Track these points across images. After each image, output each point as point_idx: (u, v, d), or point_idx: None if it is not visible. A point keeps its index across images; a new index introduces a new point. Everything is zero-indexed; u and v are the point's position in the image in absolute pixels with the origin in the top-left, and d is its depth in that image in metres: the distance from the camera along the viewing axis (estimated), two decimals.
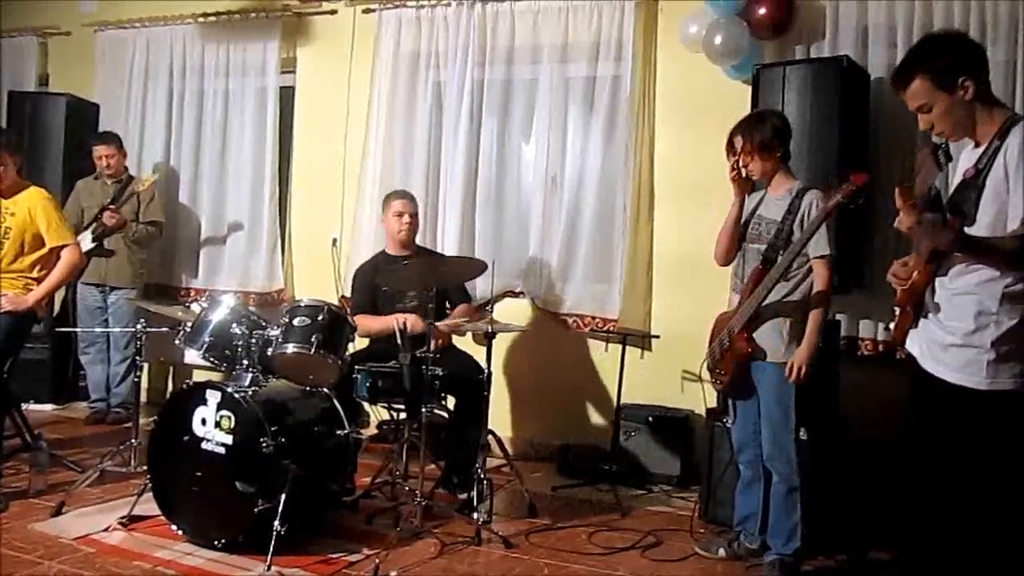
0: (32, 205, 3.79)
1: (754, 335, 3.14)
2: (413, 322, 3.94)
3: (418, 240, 4.55)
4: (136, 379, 4.15)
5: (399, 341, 3.62)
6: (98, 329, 5.30)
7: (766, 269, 3.13)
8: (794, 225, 3.12)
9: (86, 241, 5.09)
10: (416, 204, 4.46)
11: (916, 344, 2.39)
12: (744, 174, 3.24)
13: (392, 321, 3.94)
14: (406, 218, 4.32)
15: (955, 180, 2.39)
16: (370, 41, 5.37)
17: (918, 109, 2.32)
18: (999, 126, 2.24)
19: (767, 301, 3.11)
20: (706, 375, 3.43)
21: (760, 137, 3.18)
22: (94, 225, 5.16)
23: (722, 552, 3.37)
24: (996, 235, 2.19)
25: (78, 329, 5.35)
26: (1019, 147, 2.16)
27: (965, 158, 2.36)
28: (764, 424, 3.16)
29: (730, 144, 3.26)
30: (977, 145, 2.32)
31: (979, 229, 2.22)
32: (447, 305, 4.38)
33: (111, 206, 5.14)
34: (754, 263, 3.20)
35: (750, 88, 4.19)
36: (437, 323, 3.87)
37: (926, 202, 2.20)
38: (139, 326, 4.05)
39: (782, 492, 3.13)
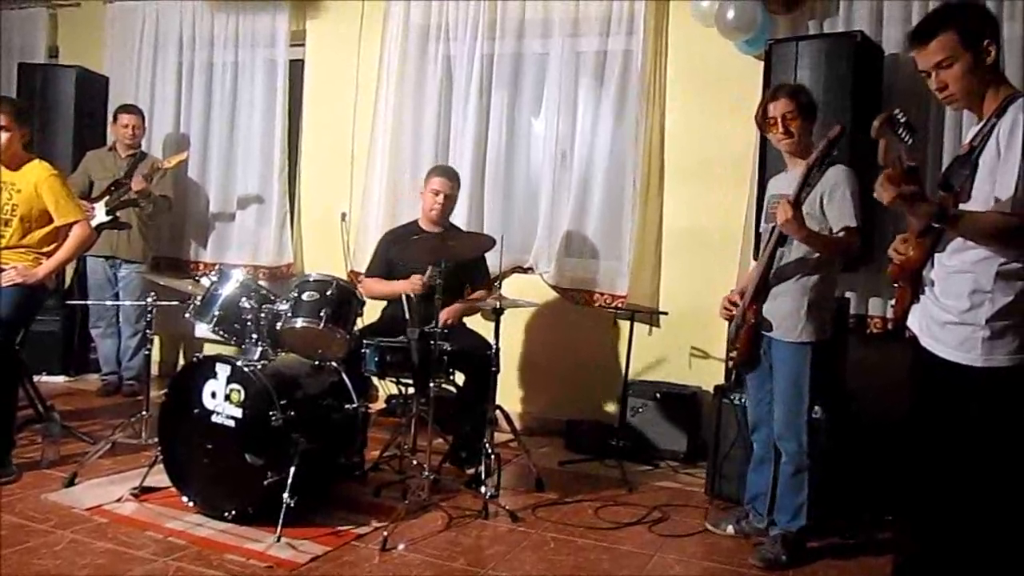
0: (38, 181, 3.75)
1: (770, 309, 3.10)
2: (414, 283, 3.94)
3: None
4: (147, 352, 4.18)
5: (406, 313, 3.63)
6: (108, 302, 5.32)
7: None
8: (810, 199, 3.01)
9: (100, 214, 5.11)
10: (457, 184, 4.36)
11: (916, 321, 2.39)
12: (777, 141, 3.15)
13: (396, 287, 3.96)
14: (440, 198, 4.25)
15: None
16: (380, 14, 5.33)
17: (936, 65, 2.26)
18: (999, 103, 2.22)
19: (777, 271, 3.08)
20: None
21: (805, 99, 3.10)
22: (108, 198, 5.16)
23: (730, 529, 3.38)
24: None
25: (89, 302, 5.37)
26: (1010, 125, 2.14)
27: (972, 135, 2.34)
28: (777, 403, 3.14)
29: (764, 113, 3.14)
30: (979, 121, 2.30)
31: (973, 206, 2.21)
32: (466, 287, 4.36)
33: (136, 176, 5.11)
34: None
35: (762, 64, 4.15)
36: (448, 305, 3.88)
37: (905, 175, 2.17)
38: (149, 299, 4.07)
39: (789, 472, 3.13)
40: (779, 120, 3.09)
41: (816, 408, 3.16)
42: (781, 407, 3.13)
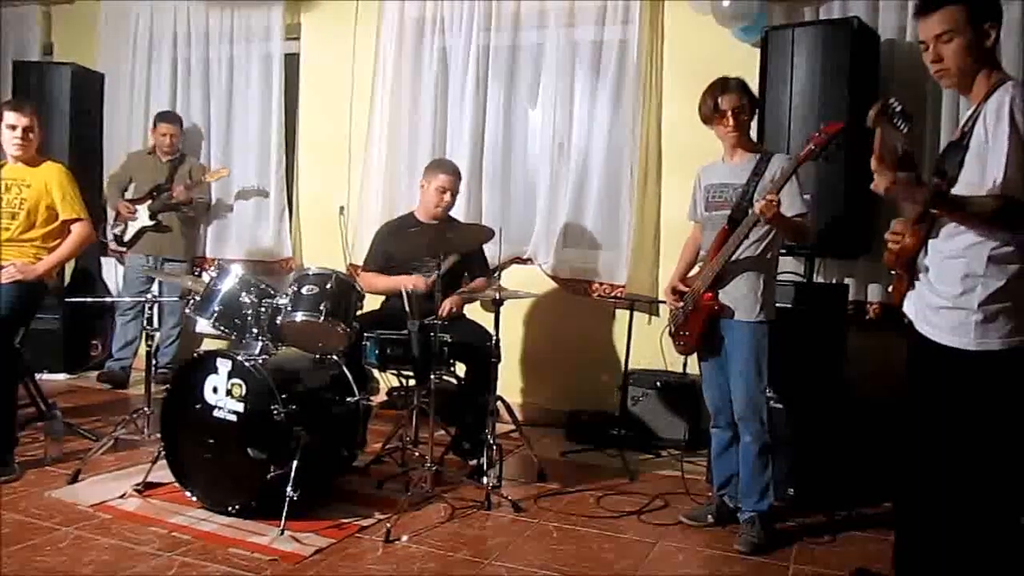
0: (48, 178, 3.85)
1: (728, 294, 3.15)
2: (416, 282, 3.95)
3: None
4: (148, 347, 4.17)
5: (407, 307, 3.64)
6: (108, 299, 5.41)
7: (731, 230, 3.12)
8: (759, 187, 3.11)
9: (143, 217, 5.35)
10: (460, 180, 4.34)
11: (912, 307, 2.41)
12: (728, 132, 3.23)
13: (397, 282, 3.96)
14: (447, 196, 4.22)
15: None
16: (375, 6, 5.32)
17: (937, 37, 2.26)
18: (989, 88, 2.22)
19: (733, 259, 3.12)
20: (668, 341, 3.41)
21: (751, 93, 3.22)
22: (151, 202, 5.36)
23: (710, 518, 3.38)
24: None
25: (88, 299, 5.45)
26: (996, 107, 2.14)
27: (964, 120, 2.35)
28: (737, 383, 3.16)
29: (714, 105, 3.19)
30: (971, 106, 2.30)
31: (961, 190, 2.21)
32: (465, 275, 4.36)
33: (177, 185, 5.36)
34: (717, 229, 3.19)
35: (759, 51, 4.14)
36: (448, 296, 3.89)
37: (899, 162, 2.18)
38: (150, 295, 4.09)
39: (754, 451, 3.15)
40: (730, 113, 3.17)
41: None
42: (741, 387, 3.16)
